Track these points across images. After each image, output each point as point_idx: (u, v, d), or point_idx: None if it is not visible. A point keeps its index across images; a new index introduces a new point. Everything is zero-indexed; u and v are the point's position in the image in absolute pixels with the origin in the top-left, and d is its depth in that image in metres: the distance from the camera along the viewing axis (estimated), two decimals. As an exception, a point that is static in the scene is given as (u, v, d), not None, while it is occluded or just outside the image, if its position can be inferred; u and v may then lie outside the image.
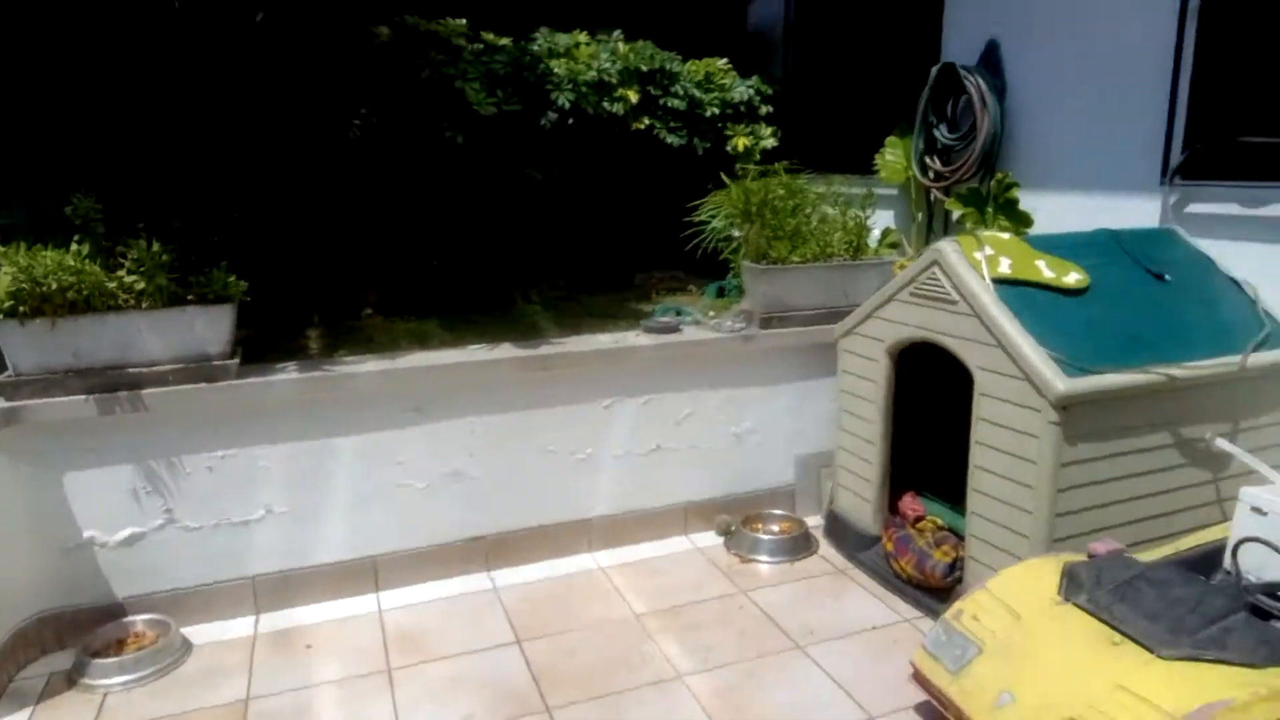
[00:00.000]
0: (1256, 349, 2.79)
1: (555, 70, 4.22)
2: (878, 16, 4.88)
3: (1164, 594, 2.25)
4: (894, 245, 4.26)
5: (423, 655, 2.85)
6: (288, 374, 3.01)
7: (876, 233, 4.24)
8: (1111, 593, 2.28)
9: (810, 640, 2.86)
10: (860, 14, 5.02)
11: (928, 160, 4.19)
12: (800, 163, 4.15)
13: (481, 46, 4.17)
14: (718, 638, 2.89)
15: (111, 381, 2.81)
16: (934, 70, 4.09)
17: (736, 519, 3.67)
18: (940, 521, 3.24)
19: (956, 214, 4.00)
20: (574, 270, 4.86)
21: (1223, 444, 2.77)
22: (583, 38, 4.42)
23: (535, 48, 4.28)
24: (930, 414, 3.38)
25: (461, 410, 3.28)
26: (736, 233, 3.94)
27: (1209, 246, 3.17)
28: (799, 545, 3.53)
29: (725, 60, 4.83)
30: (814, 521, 3.77)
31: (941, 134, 4.11)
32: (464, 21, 4.12)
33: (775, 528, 3.64)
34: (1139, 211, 3.42)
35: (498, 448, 3.36)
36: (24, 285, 2.69)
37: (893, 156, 4.43)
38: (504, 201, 4.57)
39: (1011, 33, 3.96)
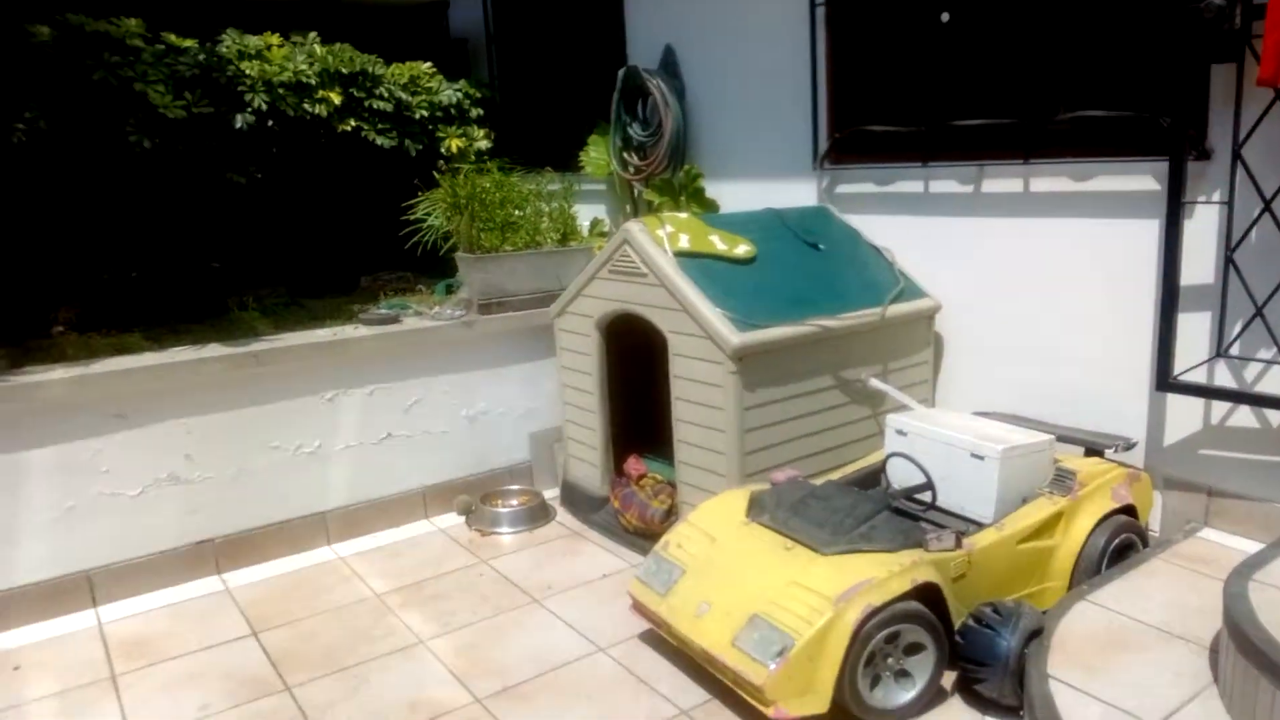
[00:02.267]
0: (894, 301, 3.37)
1: (247, 72, 4.13)
2: (569, 23, 5.22)
3: (828, 506, 2.70)
4: (603, 234, 4.60)
5: (151, 659, 2.76)
6: (-38, 392, 2.78)
7: (587, 223, 4.56)
8: (787, 510, 2.69)
9: (548, 594, 3.09)
10: (553, 21, 5.34)
11: (625, 155, 4.57)
12: (513, 161, 4.38)
13: (163, 48, 4.00)
14: (460, 604, 3.04)
15: None
16: (620, 73, 4.48)
17: (476, 497, 3.83)
18: (660, 476, 3.59)
19: (656, 203, 4.40)
20: (296, 277, 4.76)
21: (875, 383, 3.32)
22: (274, 39, 4.35)
23: (223, 49, 4.16)
24: (643, 380, 3.73)
25: (172, 412, 3.17)
26: (456, 229, 4.09)
27: (855, 220, 3.76)
28: (537, 514, 3.76)
29: (429, 64, 4.95)
30: (551, 493, 4.01)
31: (635, 131, 4.50)
32: (139, 21, 3.92)
33: (514, 501, 3.84)
34: (800, 192, 3.98)
35: (218, 448, 3.28)
36: None
37: (596, 153, 4.77)
38: (207, 207, 4.39)
39: (685, 39, 4.43)
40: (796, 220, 3.61)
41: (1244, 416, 2.77)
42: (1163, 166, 2.75)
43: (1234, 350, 2.72)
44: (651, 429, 3.72)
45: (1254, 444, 2.76)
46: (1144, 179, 2.88)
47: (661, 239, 3.21)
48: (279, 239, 4.78)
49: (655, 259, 3.16)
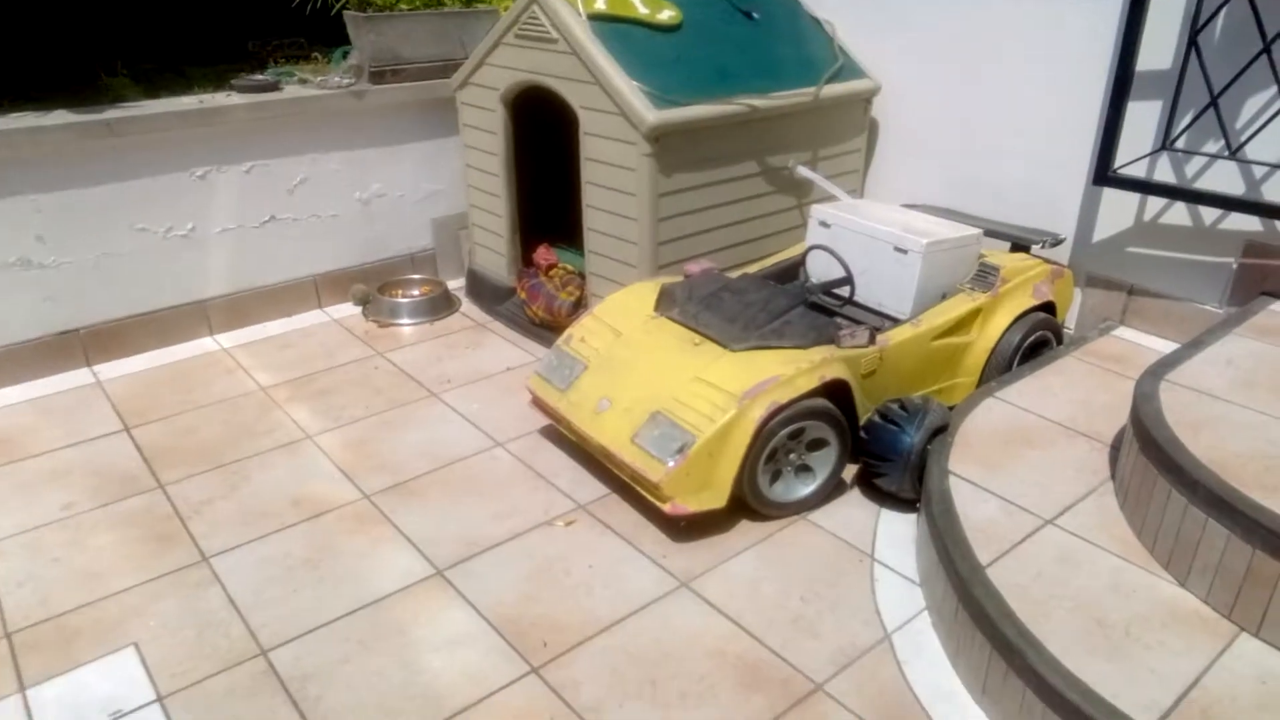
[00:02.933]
0: (829, 81, 3.08)
1: None
2: None
3: (741, 299, 2.55)
4: (515, -7, 4.09)
5: (9, 456, 2.56)
6: None
7: (497, -20, 4.04)
8: (698, 303, 2.54)
9: (446, 388, 2.95)
10: None
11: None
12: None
13: None
14: (352, 398, 2.88)
15: None
16: None
17: (373, 287, 3.59)
18: (571, 267, 3.38)
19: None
20: (179, 43, 4.19)
21: (803, 170, 3.09)
22: None
23: None
24: (557, 162, 3.43)
25: (17, 188, 2.80)
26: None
27: (794, -14, 3.37)
28: (439, 305, 3.55)
29: None
30: (456, 283, 3.79)
31: None
32: None
33: (415, 291, 3.62)
34: (736, -48, 3.54)
35: (76, 229, 2.94)
36: None
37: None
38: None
39: None
40: (728, -17, 3.22)
41: (1178, 214, 2.65)
42: (1133, -70, 2.43)
43: (1180, 144, 2.54)
44: (565, 216, 3.47)
45: (1183, 242, 2.65)
46: (1109, -56, 2.57)
47: (576, 0, 2.82)
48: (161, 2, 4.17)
49: (567, 22, 2.78)
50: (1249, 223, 2.50)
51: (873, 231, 2.64)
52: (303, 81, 3.42)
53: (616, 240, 2.90)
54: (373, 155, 3.52)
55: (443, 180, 3.73)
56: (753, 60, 3.02)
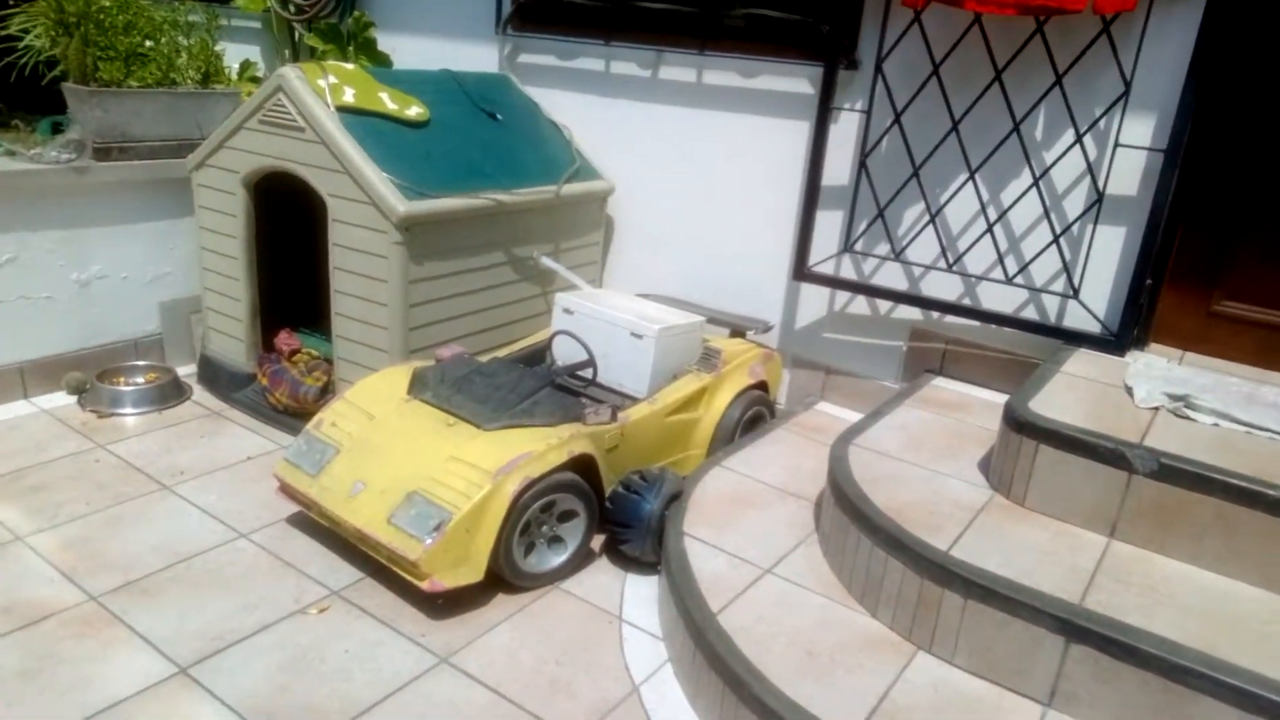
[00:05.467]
0: (569, 180, 3.35)
1: None
2: None
3: (492, 382, 2.68)
4: (255, 79, 4.06)
5: None
6: None
7: (236, 65, 4.00)
8: (451, 386, 2.64)
9: (180, 480, 2.79)
10: None
11: (286, -11, 4.03)
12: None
13: None
14: (70, 494, 2.64)
15: None
16: (279, -110, 3.90)
17: (90, 374, 3.32)
18: (315, 352, 3.34)
19: (320, 50, 3.96)
20: None
21: (546, 261, 3.31)
22: None
23: None
24: (297, 246, 3.41)
25: None
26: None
27: (536, 92, 3.65)
28: (168, 393, 3.35)
29: None
30: (188, 370, 3.59)
31: (298, -38, 3.98)
32: None
33: (140, 379, 3.38)
34: (481, 57, 3.78)
35: None
36: None
37: (250, -17, 4.16)
38: None
39: None
40: (475, 86, 3.43)
41: (860, 305, 3.15)
42: (818, 72, 2.95)
43: (858, 246, 3.06)
44: (307, 301, 3.44)
45: (865, 329, 3.16)
46: (801, 82, 3.07)
47: (323, 90, 2.89)
48: None
49: (315, 112, 2.84)
50: (913, 313, 3.04)
51: (611, 318, 2.89)
52: (10, 154, 3.16)
53: (367, 325, 2.94)
54: (95, 235, 3.30)
55: (173, 262, 3.56)
56: (497, 158, 3.22)
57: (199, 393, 3.45)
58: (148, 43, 3.47)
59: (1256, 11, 2.41)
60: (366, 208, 2.79)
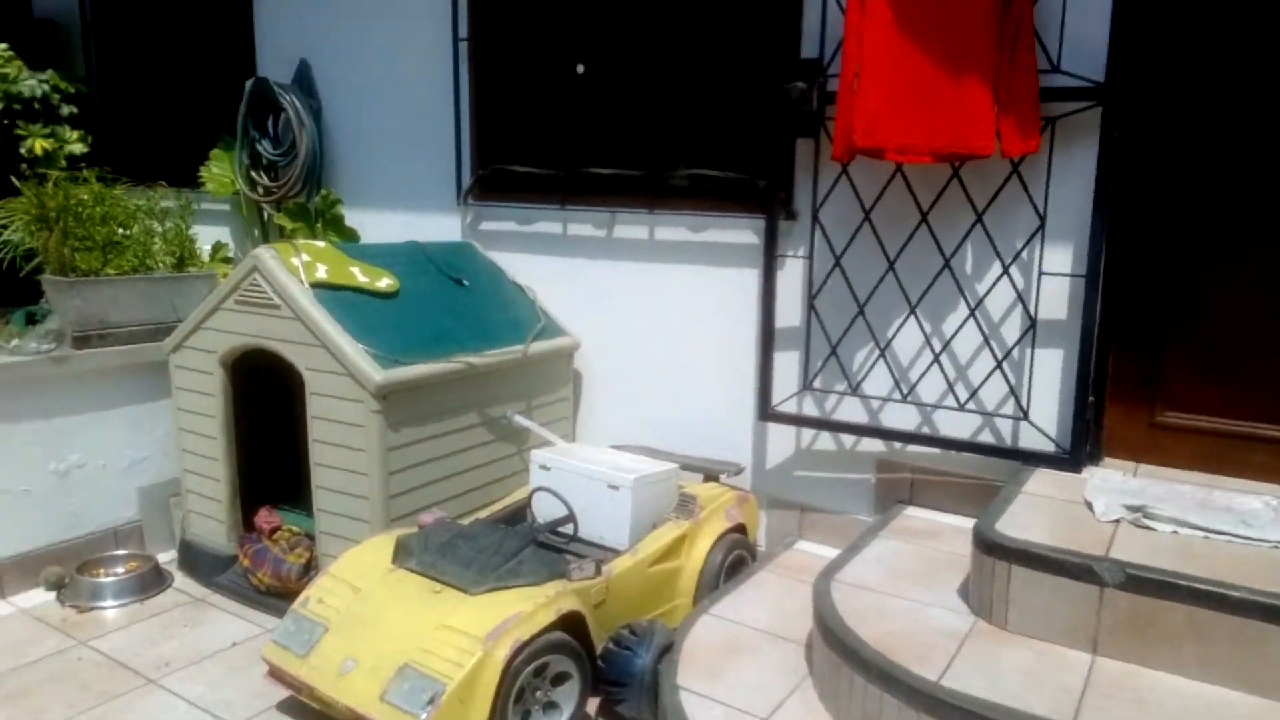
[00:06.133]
0: (535, 339, 3.49)
1: None
2: (187, 21, 4.75)
3: (475, 545, 2.72)
4: (227, 260, 4.22)
5: None
6: None
7: (208, 246, 4.16)
8: (435, 552, 2.66)
9: (165, 672, 2.74)
10: (167, 15, 4.82)
11: (254, 175, 4.24)
12: (117, 172, 3.86)
13: None
14: (52, 698, 2.57)
15: None
16: (249, 85, 4.16)
17: (70, 568, 3.29)
18: (296, 528, 3.35)
19: (289, 229, 4.14)
20: None
21: (519, 419, 3.40)
22: None
23: None
24: (276, 423, 3.47)
25: None
26: (41, 247, 3.50)
27: (498, 257, 3.84)
28: (149, 582, 3.31)
29: (5, 45, 4.21)
30: (168, 556, 3.56)
31: (265, 149, 4.20)
32: None
33: (120, 569, 3.35)
34: (445, 226, 3.99)
35: None
36: None
37: (219, 169, 4.38)
38: None
39: (323, 55, 4.24)
40: (440, 255, 3.61)
41: (825, 441, 3.27)
42: (761, 223, 3.17)
43: (817, 384, 3.20)
44: (285, 477, 3.47)
45: (833, 464, 3.27)
46: (746, 233, 3.29)
47: (296, 268, 3.03)
48: None
49: (289, 290, 2.97)
50: (877, 445, 3.16)
51: (587, 472, 2.97)
52: (-10, 351, 3.23)
53: (348, 496, 2.98)
54: (73, 423, 3.34)
55: (151, 446, 3.59)
56: (466, 322, 3.36)
57: (180, 579, 3.42)
58: (122, 230, 3.61)
59: (1150, 143, 2.68)
60: (343, 379, 2.89)
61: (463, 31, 3.76)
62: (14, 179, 3.64)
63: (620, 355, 3.68)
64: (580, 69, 3.54)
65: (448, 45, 3.79)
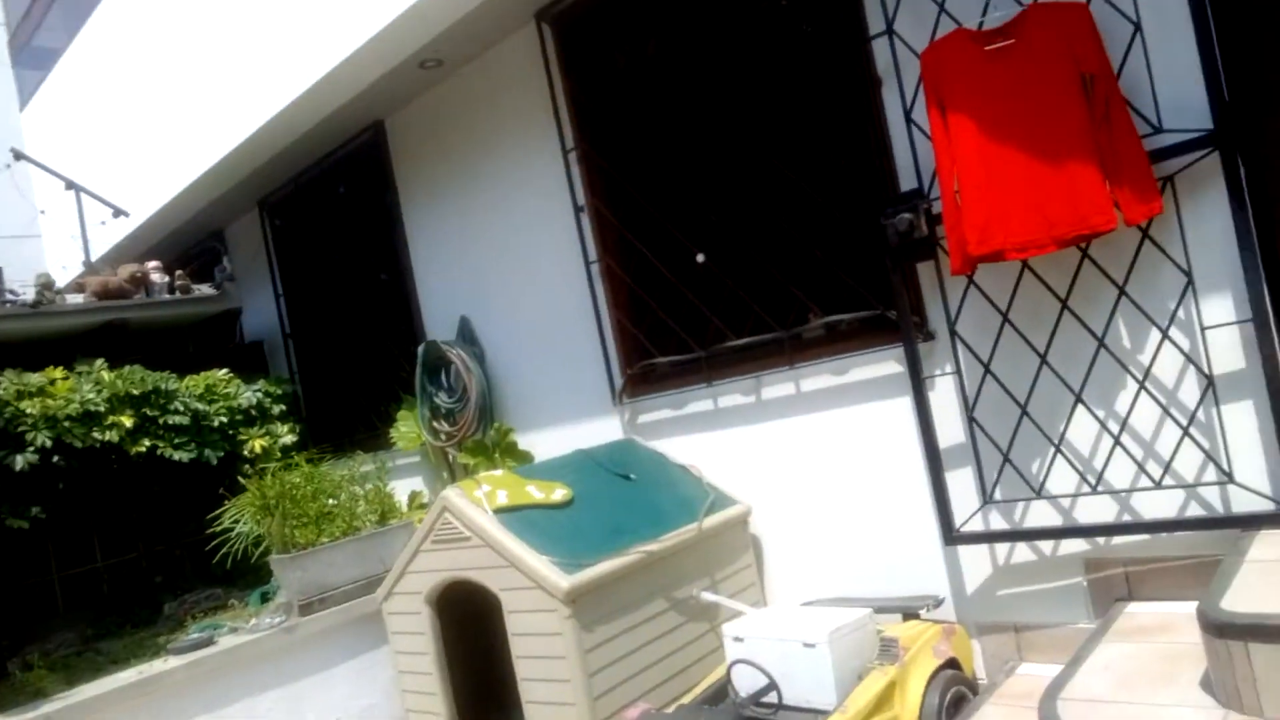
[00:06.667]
0: (707, 514, 3.54)
1: (28, 410, 4.02)
2: (362, 310, 5.48)
3: (683, 731, 2.68)
4: (423, 506, 4.61)
5: None
6: None
7: (405, 497, 4.57)
8: (645, 745, 2.65)
9: None
10: (347, 311, 5.58)
11: (435, 424, 4.69)
12: (322, 450, 4.40)
13: (-72, 401, 3.87)
14: None
15: None
16: (420, 349, 4.70)
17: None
18: (517, 747, 3.41)
19: (471, 464, 4.49)
20: (89, 620, 4.40)
21: (706, 595, 3.40)
22: (58, 373, 4.30)
23: (0, 392, 4.06)
24: (485, 647, 3.62)
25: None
26: (268, 531, 3.99)
27: (659, 444, 3.99)
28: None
29: (225, 370, 5.00)
30: (406, 793, 3.70)
31: (441, 399, 4.67)
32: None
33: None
34: (606, 428, 4.21)
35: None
36: None
37: (405, 427, 4.87)
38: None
39: (478, 307, 4.77)
40: (606, 456, 3.80)
41: (1023, 551, 3.06)
42: (900, 350, 3.17)
43: (997, 495, 3.05)
44: (502, 696, 3.57)
45: (1037, 574, 3.03)
46: (888, 364, 3.29)
47: (480, 499, 3.28)
48: (68, 582, 4.46)
49: (476, 520, 3.20)
50: (1079, 544, 2.92)
51: (780, 634, 2.90)
52: (234, 630, 3.63)
53: (555, 706, 3.04)
54: (307, 685, 3.64)
55: (374, 692, 3.83)
56: (639, 513, 3.46)
57: (417, 816, 3.51)
58: (331, 501, 4.05)
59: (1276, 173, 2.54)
60: (534, 592, 3.02)
61: (592, 255, 4.14)
62: (240, 478, 4.21)
63: (792, 511, 3.65)
64: (700, 258, 3.80)
65: (580, 270, 4.18)
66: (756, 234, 3.65)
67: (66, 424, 4.11)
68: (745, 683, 2.95)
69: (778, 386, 3.63)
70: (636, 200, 4.02)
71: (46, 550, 4.53)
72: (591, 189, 4.14)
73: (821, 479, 3.54)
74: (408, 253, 5.08)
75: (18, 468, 3.91)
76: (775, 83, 3.53)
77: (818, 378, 3.50)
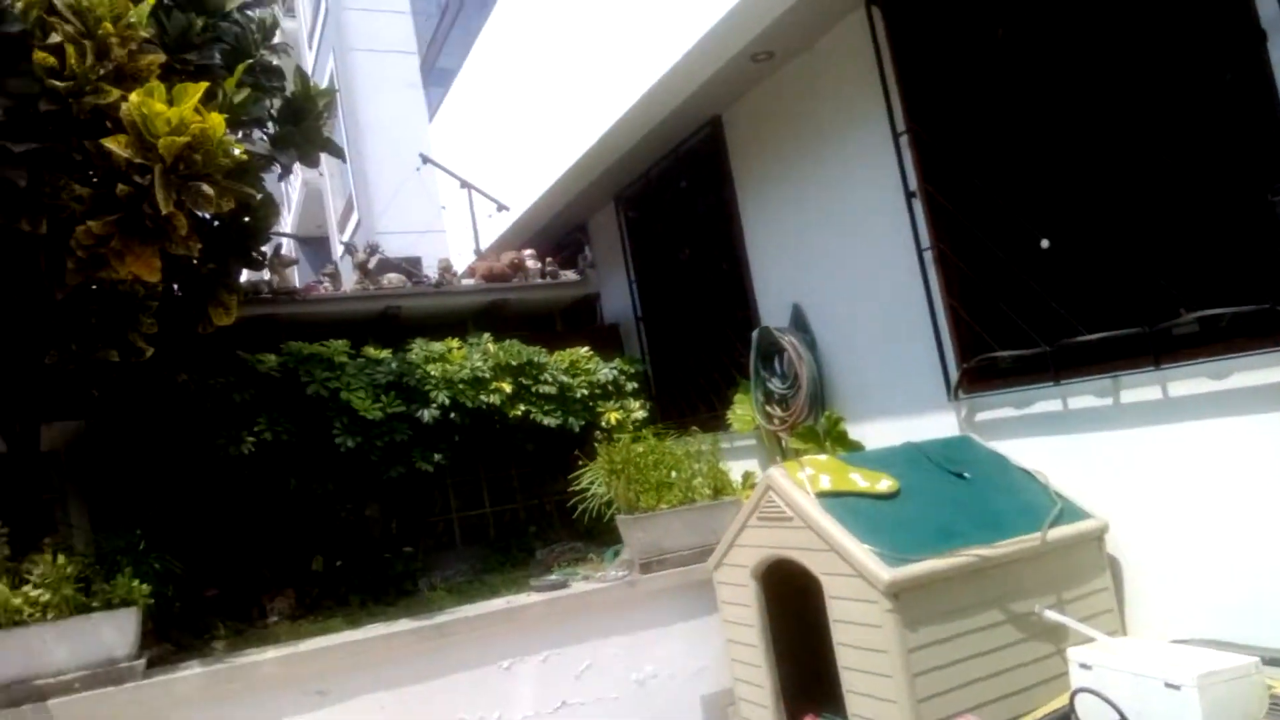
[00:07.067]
0: (1053, 524, 3.28)
1: (432, 373, 4.80)
2: (704, 298, 5.75)
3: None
4: (754, 487, 4.76)
5: None
6: (191, 670, 3.18)
7: (738, 477, 4.76)
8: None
9: None
10: (690, 297, 5.90)
11: (768, 409, 4.82)
12: (668, 427, 4.74)
13: (364, 360, 4.77)
14: None
15: (16, 696, 2.91)
16: (755, 334, 4.85)
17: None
18: (839, 734, 3.43)
19: (800, 450, 4.56)
20: (478, 555, 5.17)
21: (1050, 614, 3.15)
22: (454, 343, 5.08)
23: (412, 356, 4.89)
24: (813, 629, 3.68)
25: (368, 688, 3.42)
26: (618, 495, 4.39)
27: (1000, 445, 3.75)
28: (711, 783, 3.64)
29: (587, 348, 5.55)
30: (728, 759, 3.89)
31: (774, 385, 4.78)
32: (345, 341, 4.75)
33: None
34: (941, 423, 4.04)
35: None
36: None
37: (741, 410, 5.06)
38: (399, 495, 4.93)
39: (810, 295, 4.81)
40: (938, 451, 3.66)
41: None
42: (1308, 355, 2.69)
43: None
44: (825, 676, 3.61)
45: None
46: (1283, 370, 2.80)
47: (802, 481, 3.34)
48: (464, 521, 5.27)
49: (798, 501, 3.27)
50: None
51: (1137, 669, 2.61)
52: (585, 578, 4.06)
53: (875, 700, 3.02)
54: (646, 637, 3.96)
55: (707, 656, 4.06)
56: (972, 514, 3.29)
57: (736, 781, 3.69)
58: (672, 474, 4.35)
59: None
60: (855, 580, 3.02)
61: (924, 241, 4.00)
62: (594, 445, 4.67)
63: (1160, 533, 3.24)
64: (1045, 244, 3.51)
65: (913, 257, 4.05)
66: (1112, 216, 3.27)
67: (460, 386, 4.84)
68: (1091, 715, 2.71)
69: (1140, 389, 3.23)
70: (972, 183, 3.80)
71: (448, 493, 5.38)
72: (923, 173, 3.98)
73: (1200, 499, 3.10)
74: (743, 242, 5.25)
75: (425, 420, 4.69)
76: (1138, 45, 3.12)
77: (1191, 381, 3.06)
